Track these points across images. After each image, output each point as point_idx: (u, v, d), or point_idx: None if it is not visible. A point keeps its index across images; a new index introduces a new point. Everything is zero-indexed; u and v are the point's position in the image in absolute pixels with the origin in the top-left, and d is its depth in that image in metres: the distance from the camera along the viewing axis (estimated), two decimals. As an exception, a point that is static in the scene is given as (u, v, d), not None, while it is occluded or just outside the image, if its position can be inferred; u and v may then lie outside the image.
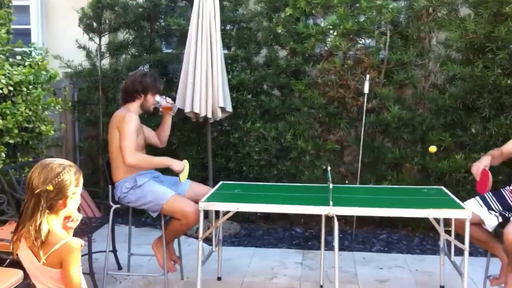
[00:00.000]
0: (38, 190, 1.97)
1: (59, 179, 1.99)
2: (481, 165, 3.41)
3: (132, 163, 3.60)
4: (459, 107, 5.04)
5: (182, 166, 3.69)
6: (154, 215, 3.72)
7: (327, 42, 5.38)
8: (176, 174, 3.76)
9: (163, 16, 5.86)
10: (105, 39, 5.82)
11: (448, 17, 5.14)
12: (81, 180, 2.09)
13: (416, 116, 5.13)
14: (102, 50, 5.74)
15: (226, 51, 5.43)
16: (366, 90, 4.97)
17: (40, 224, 1.96)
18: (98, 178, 5.67)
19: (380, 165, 5.20)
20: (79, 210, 3.51)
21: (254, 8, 5.63)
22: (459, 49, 5.13)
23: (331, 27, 5.28)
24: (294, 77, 5.42)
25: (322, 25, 5.35)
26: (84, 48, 5.67)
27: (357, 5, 5.27)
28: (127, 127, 3.63)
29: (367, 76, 4.99)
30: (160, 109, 4.04)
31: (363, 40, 5.37)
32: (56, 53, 5.56)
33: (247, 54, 5.49)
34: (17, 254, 2.05)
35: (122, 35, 5.90)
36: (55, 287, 1.99)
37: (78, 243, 1.98)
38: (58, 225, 2.05)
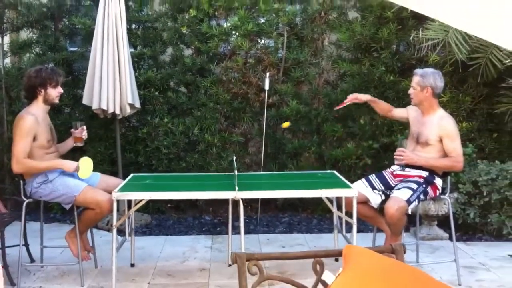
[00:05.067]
0: None
1: None
2: (356, 95, 4.15)
3: (17, 171, 3.72)
4: (350, 101, 5.58)
5: (74, 166, 3.76)
6: (68, 207, 3.84)
7: (230, 42, 5.72)
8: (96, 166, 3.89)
9: (67, 16, 5.89)
10: (7, 38, 5.75)
11: (338, 20, 5.68)
12: None
13: (312, 110, 5.62)
14: (4, 49, 5.68)
15: (132, 50, 5.57)
16: (266, 86, 5.36)
17: None
18: (3, 175, 5.62)
19: (282, 154, 5.64)
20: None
21: (158, 9, 5.83)
22: (348, 49, 5.69)
23: (233, 28, 5.64)
24: (199, 74, 5.71)
25: (224, 26, 5.69)
26: (-15, 47, 5.59)
27: (256, 7, 5.67)
28: (17, 131, 3.69)
29: (267, 74, 5.39)
30: (72, 135, 4.09)
31: (263, 41, 5.78)
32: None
33: (153, 53, 5.68)
34: None
35: (25, 34, 5.86)
36: None
37: None
38: None
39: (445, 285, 1.98)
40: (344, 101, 4.14)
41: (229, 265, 4.17)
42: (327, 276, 1.90)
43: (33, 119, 3.74)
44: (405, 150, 3.81)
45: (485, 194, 4.74)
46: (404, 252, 2.05)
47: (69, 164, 3.79)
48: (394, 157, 3.87)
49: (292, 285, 2.04)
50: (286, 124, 4.34)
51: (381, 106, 4.24)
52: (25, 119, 3.73)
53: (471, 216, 4.81)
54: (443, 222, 4.86)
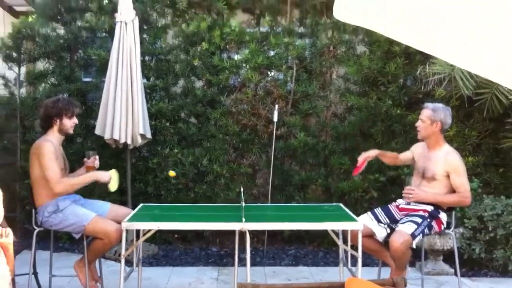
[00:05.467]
0: None
1: None
2: (366, 155, 4.12)
3: (60, 191, 3.82)
4: (357, 134, 5.67)
5: (108, 176, 3.96)
6: (77, 236, 3.91)
7: (240, 75, 5.85)
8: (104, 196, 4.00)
9: (83, 47, 6.06)
10: (24, 69, 5.93)
11: (347, 54, 5.80)
12: (0, 193, 2.37)
13: (320, 142, 5.70)
14: (21, 79, 5.85)
15: (145, 81, 5.71)
16: (275, 118, 5.45)
17: None
18: (15, 204, 5.71)
19: (289, 186, 5.69)
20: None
21: (172, 42, 5.99)
22: (356, 82, 5.79)
23: (243, 61, 5.77)
24: (210, 106, 5.82)
25: (235, 59, 5.83)
26: (3, 77, 5.75)
27: (267, 41, 5.81)
28: (45, 157, 3.81)
29: (276, 106, 5.49)
30: (85, 164, 4.21)
31: (272, 73, 5.90)
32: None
33: (166, 84, 5.82)
34: None
35: (42, 65, 6.03)
36: None
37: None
38: None
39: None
40: (358, 165, 4.14)
41: (235, 297, 4.20)
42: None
43: (52, 145, 3.88)
44: (414, 188, 3.86)
45: (490, 229, 4.74)
46: (405, 286, 2.10)
47: (103, 175, 3.99)
48: (403, 195, 3.92)
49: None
50: (172, 174, 4.48)
51: (389, 156, 4.34)
52: (46, 145, 3.85)
53: (476, 252, 4.80)
54: (448, 257, 4.86)
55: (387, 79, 5.53)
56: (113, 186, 3.99)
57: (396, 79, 5.60)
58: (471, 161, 5.31)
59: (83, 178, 3.98)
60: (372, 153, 4.18)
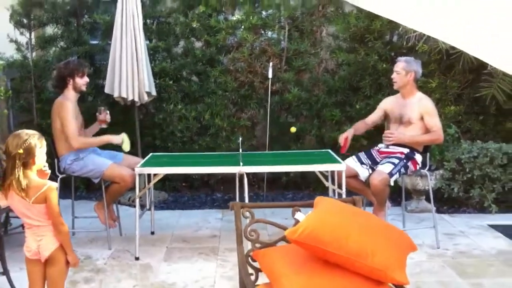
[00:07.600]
0: (13, 154, 2.67)
1: (27, 144, 2.69)
2: (344, 135, 4.50)
3: (77, 147, 4.36)
4: (347, 87, 6.10)
5: (120, 138, 4.44)
6: (96, 181, 4.43)
7: (236, 35, 6.25)
8: (118, 148, 4.51)
9: (88, 12, 6.45)
10: (35, 33, 6.33)
11: (335, 13, 6.18)
12: (44, 142, 2.81)
13: (312, 96, 6.14)
14: (32, 44, 6.26)
15: (147, 42, 6.09)
16: (270, 75, 5.86)
17: (18, 177, 2.67)
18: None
19: (285, 137, 6.17)
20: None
21: (171, 5, 6.37)
22: (345, 39, 6.19)
23: (239, 22, 6.17)
24: (209, 65, 6.25)
25: (231, 19, 6.22)
26: (16, 42, 6.15)
27: (260, 3, 6.20)
28: (65, 115, 4.32)
29: (271, 63, 5.90)
30: (97, 119, 4.68)
31: (266, 33, 6.29)
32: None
33: (167, 46, 6.23)
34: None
35: (51, 30, 6.42)
36: (41, 219, 2.73)
37: (55, 185, 2.74)
38: (35, 176, 2.77)
39: (390, 225, 2.52)
40: (342, 145, 4.50)
41: (236, 232, 4.73)
42: (299, 216, 2.46)
43: (71, 104, 4.38)
44: (393, 132, 4.35)
45: (467, 170, 5.24)
46: (362, 204, 2.61)
47: (115, 138, 4.49)
48: (383, 138, 4.41)
49: (277, 227, 2.62)
50: (293, 129, 5.02)
51: (358, 127, 4.68)
52: (66, 103, 4.36)
53: (455, 191, 5.32)
54: (430, 196, 5.38)
55: (374, 36, 5.92)
56: (126, 147, 4.49)
57: (382, 36, 5.99)
58: (453, 110, 5.76)
59: (98, 139, 4.50)
60: (349, 133, 4.52)
